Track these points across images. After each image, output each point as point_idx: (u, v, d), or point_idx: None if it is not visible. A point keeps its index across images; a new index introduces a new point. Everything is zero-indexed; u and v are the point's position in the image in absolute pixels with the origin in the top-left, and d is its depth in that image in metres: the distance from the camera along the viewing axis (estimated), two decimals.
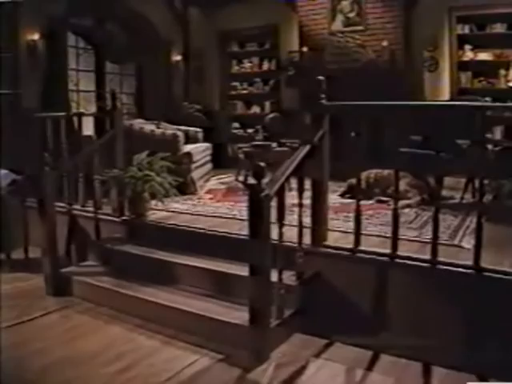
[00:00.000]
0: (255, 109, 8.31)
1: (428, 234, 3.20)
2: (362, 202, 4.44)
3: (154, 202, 4.13)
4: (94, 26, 6.61)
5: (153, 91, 7.40)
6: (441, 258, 2.83)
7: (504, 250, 2.97)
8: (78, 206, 4.36)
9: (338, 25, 6.86)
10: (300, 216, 2.98)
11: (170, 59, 7.57)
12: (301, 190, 2.93)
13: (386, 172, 4.90)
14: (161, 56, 7.50)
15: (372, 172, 5.05)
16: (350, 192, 4.87)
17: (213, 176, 6.52)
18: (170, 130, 6.15)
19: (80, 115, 4.64)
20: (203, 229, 3.69)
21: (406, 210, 4.39)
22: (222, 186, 5.90)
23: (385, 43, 6.48)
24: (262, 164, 2.45)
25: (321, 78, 3.03)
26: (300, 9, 7.16)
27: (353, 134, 3.41)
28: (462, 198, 4.85)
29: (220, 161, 7.30)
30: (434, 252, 2.82)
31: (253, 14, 7.61)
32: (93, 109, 7.11)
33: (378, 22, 6.63)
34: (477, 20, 6.39)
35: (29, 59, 5.57)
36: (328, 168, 3.18)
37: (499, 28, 6.31)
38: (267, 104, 8.11)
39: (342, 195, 5.05)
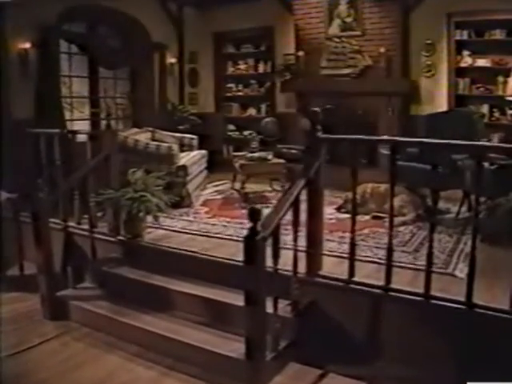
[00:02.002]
0: (251, 111, 8.38)
1: (422, 259, 3.31)
2: (358, 217, 4.64)
3: (149, 219, 4.23)
4: (87, 31, 6.63)
5: (146, 95, 7.45)
6: (434, 291, 2.95)
7: (498, 278, 3.05)
8: (73, 224, 4.45)
9: (334, 29, 6.91)
10: (295, 251, 3.08)
11: (164, 62, 7.61)
12: (296, 225, 3.03)
13: (382, 187, 5.02)
14: (155, 59, 7.53)
15: (368, 186, 5.16)
16: (347, 206, 4.99)
17: (209, 183, 6.62)
18: (165, 137, 6.25)
19: (74, 133, 4.71)
20: (198, 252, 3.79)
21: (402, 228, 4.52)
22: (218, 196, 6.01)
23: (382, 49, 6.54)
24: (258, 207, 2.55)
25: (317, 109, 3.12)
26: (296, 12, 7.21)
27: None
28: (457, 214, 4.97)
29: (216, 164, 7.41)
30: (428, 285, 2.93)
31: (248, 16, 7.66)
32: (86, 111, 7.19)
33: (376, 27, 6.69)
34: (476, 26, 6.44)
35: (20, 68, 5.60)
36: (323, 198, 3.28)
37: (498, 34, 6.36)
38: (263, 106, 8.19)
39: (338, 209, 5.17)
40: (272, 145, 7.53)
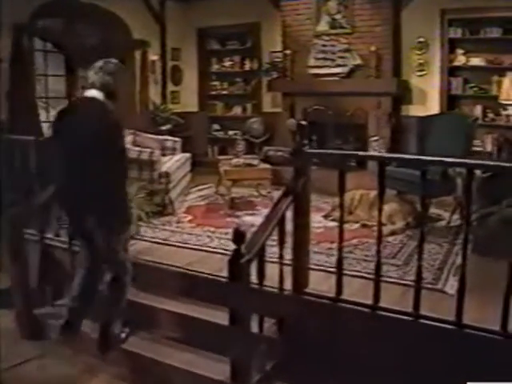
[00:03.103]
0: (236, 110, 8.43)
1: (412, 273, 3.38)
2: (346, 226, 4.71)
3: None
4: (63, 28, 6.61)
5: (127, 95, 7.43)
6: (423, 309, 3.02)
7: (489, 294, 3.10)
8: (50, 235, 4.45)
9: (323, 26, 6.95)
10: (281, 267, 3.15)
11: (145, 60, 7.61)
12: (281, 242, 3.09)
13: (371, 194, 5.10)
14: (136, 57, 7.53)
15: (357, 193, 5.24)
16: (335, 214, 5.06)
17: (193, 187, 6.66)
18: (146, 140, 6.27)
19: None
20: (182, 268, 3.84)
21: (391, 238, 4.60)
22: (203, 202, 6.05)
23: (372, 47, 6.60)
24: (242, 228, 2.61)
25: (303, 122, 3.19)
26: (283, 8, 7.24)
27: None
28: (449, 222, 5.07)
29: (200, 165, 7.47)
30: (417, 304, 3.01)
31: (234, 11, 7.70)
32: None
33: (366, 24, 6.72)
34: (470, 23, 6.51)
35: None
36: (310, 215, 3.35)
37: (493, 32, 6.41)
38: (249, 105, 8.24)
39: (326, 217, 5.24)
40: (258, 146, 7.61)
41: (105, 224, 3.05)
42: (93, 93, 3.06)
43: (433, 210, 5.35)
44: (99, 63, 3.13)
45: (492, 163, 3.35)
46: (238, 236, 2.57)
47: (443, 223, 5.09)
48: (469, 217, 2.93)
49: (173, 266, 3.89)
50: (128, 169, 3.23)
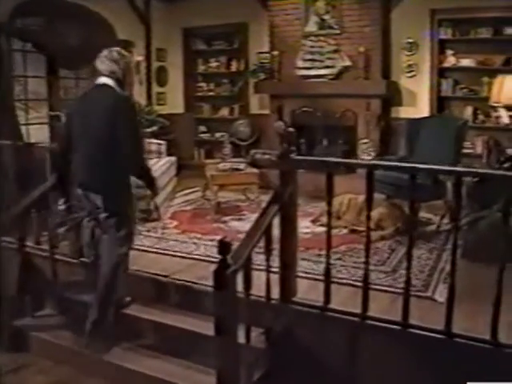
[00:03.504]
0: (223, 112, 8.43)
1: (401, 280, 3.39)
2: (335, 231, 4.74)
3: None
4: (44, 28, 6.55)
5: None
6: (412, 318, 3.03)
7: (479, 301, 3.12)
8: (31, 243, 4.42)
9: (311, 27, 6.98)
10: (268, 275, 3.15)
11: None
12: (268, 250, 3.09)
13: (360, 198, 5.12)
14: None
15: (345, 198, 5.26)
16: (323, 219, 5.08)
17: (179, 191, 6.66)
18: None
19: (30, 146, 4.69)
20: (167, 276, 3.83)
21: (380, 244, 4.63)
22: (189, 207, 6.04)
23: (361, 48, 6.63)
24: (227, 240, 2.61)
25: (291, 129, 3.19)
26: (271, 8, 7.25)
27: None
28: (439, 226, 5.10)
29: (186, 168, 7.46)
30: (405, 313, 3.02)
31: (221, 11, 7.68)
32: (45, 111, 7.11)
33: (355, 25, 6.76)
34: (460, 24, 6.57)
35: None
36: (297, 222, 3.36)
37: (484, 33, 6.47)
38: (236, 107, 8.24)
39: (314, 222, 5.25)
40: (245, 149, 7.62)
41: (114, 199, 3.32)
42: (102, 79, 3.34)
43: (423, 214, 5.38)
44: (104, 52, 3.40)
45: (480, 170, 3.36)
46: (224, 246, 2.57)
47: (433, 227, 5.12)
48: (457, 224, 2.95)
49: (158, 274, 3.87)
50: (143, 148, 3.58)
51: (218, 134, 8.32)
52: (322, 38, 6.91)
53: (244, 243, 2.83)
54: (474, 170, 3.39)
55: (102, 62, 3.36)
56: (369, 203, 3.00)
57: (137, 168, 3.41)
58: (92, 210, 3.43)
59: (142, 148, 3.39)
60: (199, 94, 8.55)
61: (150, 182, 3.61)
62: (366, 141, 6.71)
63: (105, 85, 3.32)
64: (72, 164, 3.44)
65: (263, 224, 2.92)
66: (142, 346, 3.48)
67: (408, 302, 3.02)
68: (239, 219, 5.47)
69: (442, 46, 6.76)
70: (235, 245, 4.18)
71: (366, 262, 3.10)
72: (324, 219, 4.48)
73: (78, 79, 7.37)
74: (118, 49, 3.47)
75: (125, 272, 3.58)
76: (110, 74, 3.32)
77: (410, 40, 6.80)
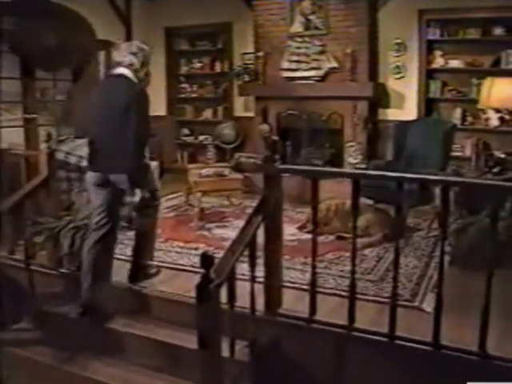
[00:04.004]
0: (207, 114, 8.43)
1: (389, 289, 3.41)
2: (322, 238, 4.77)
3: None
4: (18, 28, 6.48)
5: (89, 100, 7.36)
6: (399, 329, 3.06)
7: (468, 310, 3.13)
8: (4, 254, 4.39)
9: (297, 27, 6.99)
10: (253, 286, 3.16)
11: (110, 61, 7.54)
12: (253, 262, 3.10)
13: (347, 204, 5.14)
14: (100, 58, 7.47)
15: (332, 203, 5.27)
16: (309, 225, 5.10)
17: (161, 197, 6.61)
18: None
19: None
20: (149, 288, 3.83)
21: (367, 251, 4.66)
22: (172, 214, 6.03)
23: (348, 49, 6.66)
24: (210, 252, 2.62)
25: (275, 138, 3.21)
26: (256, 7, 7.26)
27: None
28: (428, 232, 5.15)
29: (169, 172, 7.45)
30: (392, 324, 3.05)
31: (204, 10, 7.67)
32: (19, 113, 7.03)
33: (341, 25, 6.77)
34: (449, 24, 6.62)
35: None
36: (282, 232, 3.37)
37: (473, 33, 6.52)
38: (220, 109, 8.26)
39: (300, 228, 5.27)
40: (229, 153, 7.63)
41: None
42: (120, 70, 3.64)
43: (411, 220, 5.44)
44: (123, 45, 3.81)
45: (467, 180, 3.41)
46: (207, 260, 2.58)
47: (422, 233, 5.17)
48: (445, 234, 2.98)
49: (139, 286, 3.87)
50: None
51: (201, 137, 8.32)
52: (307, 39, 6.92)
53: (227, 255, 2.84)
54: (461, 179, 3.44)
55: (119, 54, 3.67)
56: (355, 213, 3.02)
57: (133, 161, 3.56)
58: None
59: (142, 145, 3.66)
60: (182, 95, 8.54)
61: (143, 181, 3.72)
62: (352, 144, 6.74)
63: (122, 75, 3.61)
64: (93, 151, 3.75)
65: (247, 235, 2.93)
66: (123, 361, 3.47)
67: (395, 314, 3.05)
68: (223, 226, 5.48)
69: (430, 47, 6.80)
70: (220, 253, 4.28)
71: (353, 273, 3.12)
72: (311, 226, 4.51)
73: (55, 80, 7.31)
74: (137, 42, 3.82)
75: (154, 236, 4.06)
76: (129, 66, 3.61)
77: (398, 41, 6.84)
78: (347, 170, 3.20)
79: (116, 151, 3.54)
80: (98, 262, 3.66)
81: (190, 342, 3.04)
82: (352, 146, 6.76)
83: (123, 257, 4.24)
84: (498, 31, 6.38)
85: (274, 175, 3.16)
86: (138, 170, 3.58)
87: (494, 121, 6.51)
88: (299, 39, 6.96)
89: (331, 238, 5.05)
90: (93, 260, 3.65)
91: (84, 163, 5.11)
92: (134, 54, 3.64)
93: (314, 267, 3.22)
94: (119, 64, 3.66)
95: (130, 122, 3.46)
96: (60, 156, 5.03)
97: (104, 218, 3.69)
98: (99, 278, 3.66)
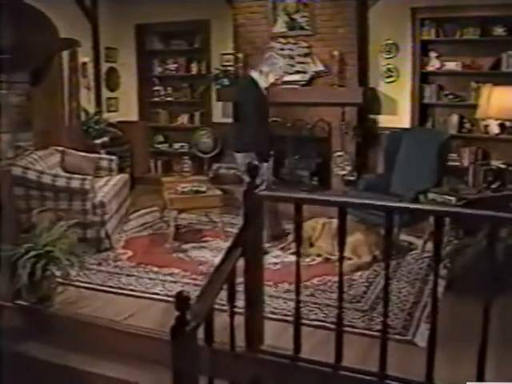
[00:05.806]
0: (182, 119, 8.48)
1: (379, 320, 3.48)
2: (307, 260, 4.85)
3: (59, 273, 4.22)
4: None
5: (52, 103, 7.38)
6: (390, 366, 3.12)
7: (464, 343, 3.21)
8: None
9: (280, 27, 7.08)
10: (232, 325, 3.21)
11: (75, 61, 7.57)
12: (231, 299, 3.15)
13: (335, 223, 5.22)
14: (63, 58, 7.48)
15: (319, 222, 5.35)
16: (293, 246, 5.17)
17: (133, 212, 6.65)
18: (77, 160, 6.28)
19: None
20: (119, 322, 3.86)
21: (357, 276, 4.73)
22: (145, 232, 6.06)
23: (335, 52, 6.75)
24: (185, 293, 2.66)
25: (256, 163, 3.29)
26: (236, 4, 7.33)
27: None
28: (422, 251, 5.24)
29: (141, 183, 7.50)
30: (383, 361, 3.12)
31: (180, 6, 7.73)
32: None
33: (329, 25, 6.88)
34: (444, 24, 6.73)
35: None
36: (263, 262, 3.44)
37: (471, 33, 6.61)
38: (197, 114, 8.31)
39: (284, 249, 5.33)
40: (207, 163, 7.68)
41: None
42: (254, 74, 5.51)
43: (404, 237, 5.52)
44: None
45: (463, 210, 3.48)
46: (182, 302, 2.61)
47: (415, 254, 5.24)
48: (438, 267, 3.06)
49: (108, 319, 3.90)
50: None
51: (176, 145, 8.38)
52: (291, 40, 7.01)
53: (205, 292, 2.88)
54: (454, 209, 3.51)
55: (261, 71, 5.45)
56: (341, 245, 3.09)
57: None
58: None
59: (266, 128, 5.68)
60: (155, 99, 8.60)
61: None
62: (341, 154, 6.84)
63: (253, 78, 5.46)
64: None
65: (225, 272, 2.98)
66: None
67: (385, 351, 3.12)
68: (201, 247, 5.52)
69: (424, 48, 6.91)
70: (197, 279, 4.32)
71: (340, 308, 3.19)
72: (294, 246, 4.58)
73: (11, 83, 7.27)
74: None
75: None
76: (259, 72, 5.44)
77: (390, 41, 6.95)
78: (333, 197, 3.26)
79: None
80: None
81: (164, 382, 3.10)
82: (340, 156, 6.86)
83: None
84: (498, 31, 6.50)
85: (254, 204, 3.22)
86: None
87: (494, 128, 6.61)
88: (283, 40, 7.05)
89: (318, 259, 5.12)
90: None
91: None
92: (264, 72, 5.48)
93: (298, 302, 3.28)
94: (255, 68, 5.63)
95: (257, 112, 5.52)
96: (17, 172, 5.02)
97: None
98: None
